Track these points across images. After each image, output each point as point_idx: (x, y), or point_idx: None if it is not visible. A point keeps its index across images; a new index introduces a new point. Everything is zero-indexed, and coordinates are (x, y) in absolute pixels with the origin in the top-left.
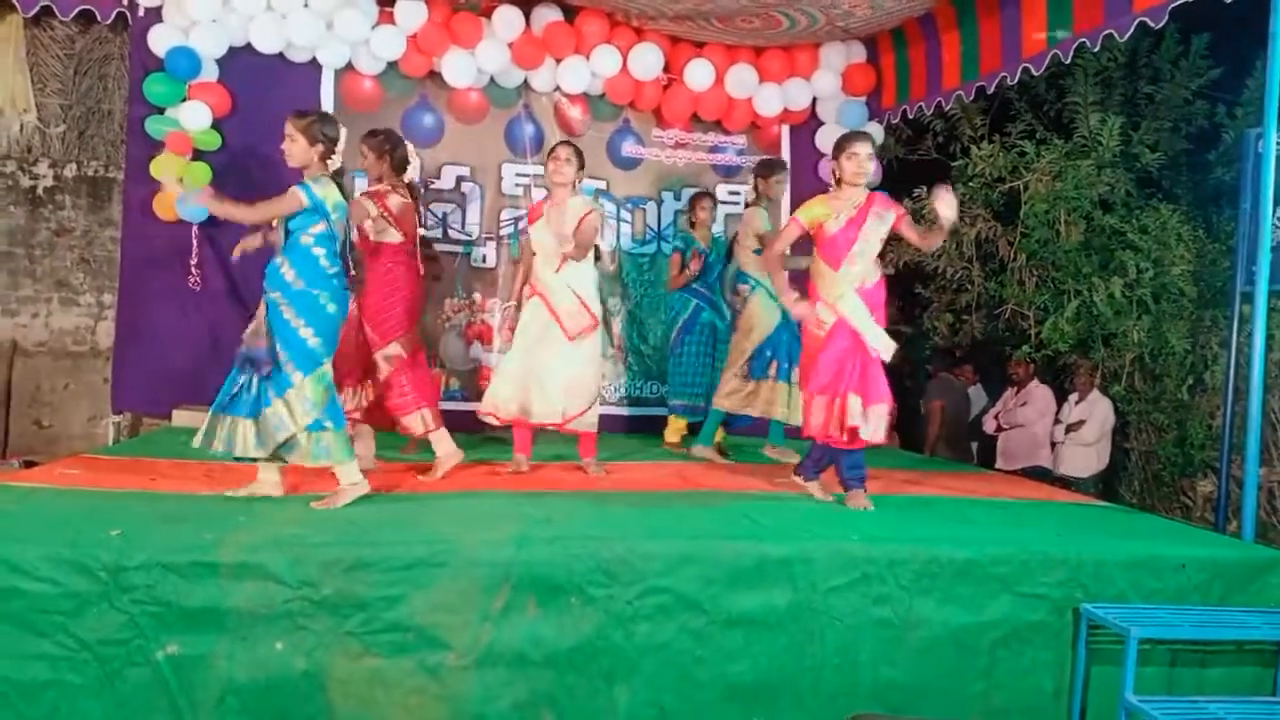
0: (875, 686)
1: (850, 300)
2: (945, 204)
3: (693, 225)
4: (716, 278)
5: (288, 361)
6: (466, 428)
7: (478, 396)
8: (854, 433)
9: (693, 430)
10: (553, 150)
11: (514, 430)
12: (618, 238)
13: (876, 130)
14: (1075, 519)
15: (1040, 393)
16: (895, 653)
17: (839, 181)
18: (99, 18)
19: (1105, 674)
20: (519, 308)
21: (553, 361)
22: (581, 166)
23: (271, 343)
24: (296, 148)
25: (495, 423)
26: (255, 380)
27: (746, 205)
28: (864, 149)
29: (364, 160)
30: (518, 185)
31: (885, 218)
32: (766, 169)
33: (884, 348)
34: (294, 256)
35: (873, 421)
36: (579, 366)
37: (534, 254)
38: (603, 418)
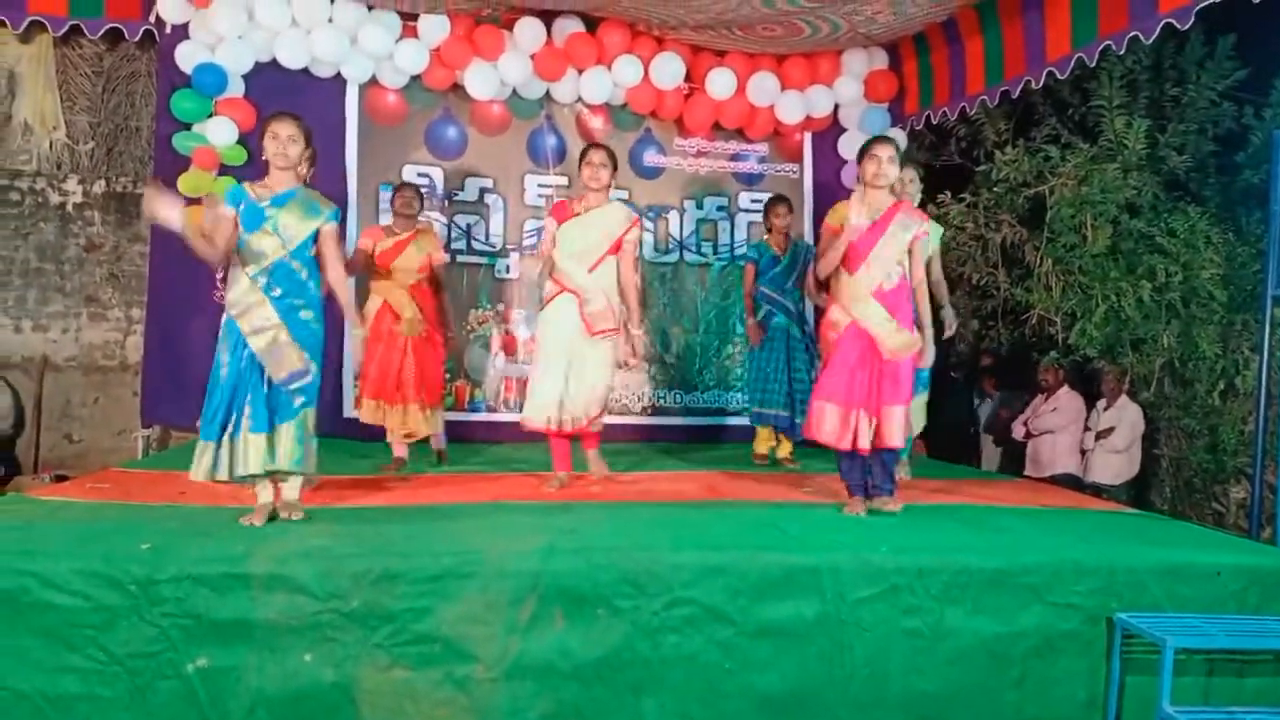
0: (905, 697)
1: (863, 304)
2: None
3: (769, 231)
4: (794, 282)
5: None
6: (489, 438)
7: (501, 407)
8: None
9: (778, 438)
10: (585, 154)
11: (553, 444)
12: (640, 246)
13: (900, 136)
14: (1107, 526)
15: (1069, 399)
16: (925, 663)
17: (863, 184)
18: (127, 36)
19: (1140, 684)
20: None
21: (583, 362)
22: (615, 169)
23: (312, 357)
24: (296, 150)
25: (542, 429)
26: (266, 395)
27: None
28: (884, 151)
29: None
30: (540, 196)
31: (909, 227)
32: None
33: (900, 348)
34: (305, 260)
35: (888, 424)
36: (605, 368)
37: (552, 254)
38: (627, 427)
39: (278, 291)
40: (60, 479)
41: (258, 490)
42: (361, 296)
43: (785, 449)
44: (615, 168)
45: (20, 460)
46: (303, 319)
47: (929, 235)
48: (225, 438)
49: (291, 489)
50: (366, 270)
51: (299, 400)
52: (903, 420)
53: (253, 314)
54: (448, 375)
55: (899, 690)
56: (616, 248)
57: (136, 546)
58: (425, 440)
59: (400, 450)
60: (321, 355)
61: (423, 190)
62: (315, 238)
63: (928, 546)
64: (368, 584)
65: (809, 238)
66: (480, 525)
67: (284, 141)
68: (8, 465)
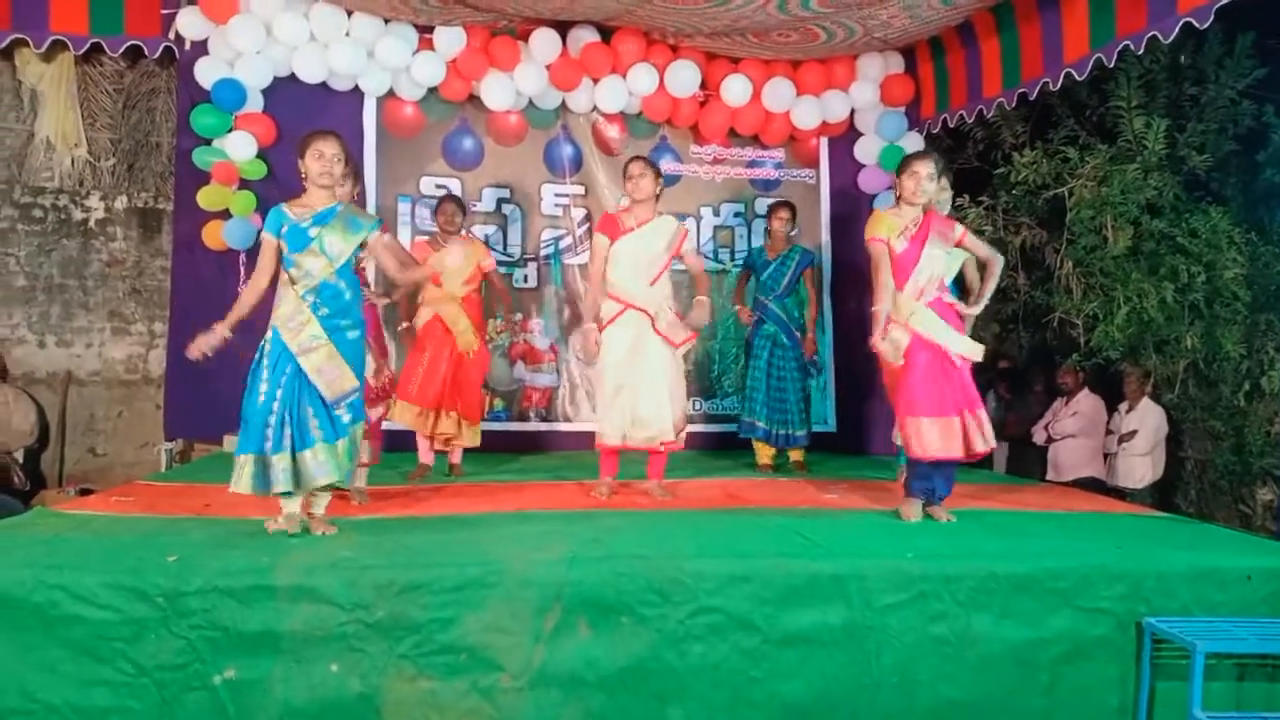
0: (934, 705)
1: (921, 315)
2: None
3: (769, 234)
4: (786, 287)
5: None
6: (509, 448)
7: (521, 417)
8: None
9: (780, 449)
10: (625, 168)
11: (603, 454)
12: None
13: (915, 140)
14: (1134, 530)
15: (1090, 402)
16: (954, 670)
17: (899, 199)
18: (147, 53)
19: (1171, 689)
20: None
21: (653, 378)
22: (659, 176)
23: (356, 374)
24: (340, 169)
25: (619, 447)
26: (316, 410)
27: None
28: (925, 168)
29: (341, 182)
30: (557, 206)
31: (949, 237)
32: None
33: (969, 351)
34: (349, 279)
35: (978, 431)
36: (677, 382)
37: (604, 270)
38: None
39: (325, 311)
40: (85, 492)
41: (285, 500)
42: (412, 312)
43: (796, 455)
44: (658, 174)
45: (45, 474)
46: (349, 337)
47: (969, 232)
48: (284, 450)
49: (321, 504)
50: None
51: (348, 417)
52: (988, 424)
53: (302, 333)
54: None
55: (927, 698)
56: (670, 262)
57: (163, 559)
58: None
59: (427, 458)
60: (363, 371)
61: (464, 202)
62: (359, 252)
63: (954, 552)
64: (392, 594)
65: (828, 241)
66: (504, 535)
67: (329, 160)
68: (33, 479)
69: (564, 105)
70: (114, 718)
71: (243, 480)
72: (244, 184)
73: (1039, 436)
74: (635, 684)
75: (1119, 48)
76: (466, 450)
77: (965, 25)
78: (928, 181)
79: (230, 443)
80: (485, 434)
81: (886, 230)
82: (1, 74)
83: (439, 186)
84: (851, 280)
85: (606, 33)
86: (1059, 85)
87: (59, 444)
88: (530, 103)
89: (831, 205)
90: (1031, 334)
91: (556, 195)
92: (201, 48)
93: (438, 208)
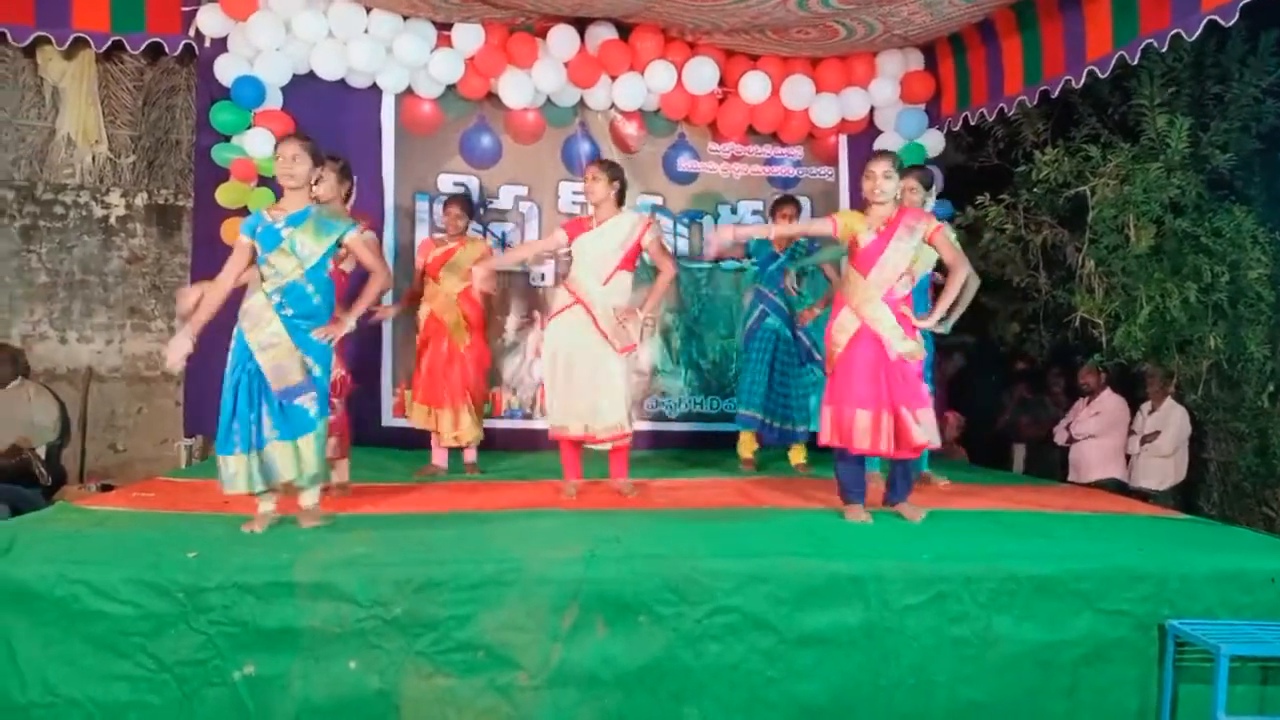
0: (953, 707)
1: (874, 306)
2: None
3: None
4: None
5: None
6: (525, 445)
7: (536, 414)
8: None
9: (763, 444)
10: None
11: (563, 453)
12: (674, 251)
13: (936, 137)
14: (1157, 532)
15: (1112, 403)
16: (973, 672)
17: (865, 201)
18: (167, 50)
19: (1194, 693)
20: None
21: (597, 376)
22: (614, 179)
23: (309, 370)
24: (303, 169)
25: (567, 438)
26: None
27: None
28: (880, 168)
29: (320, 184)
30: (574, 203)
31: (916, 230)
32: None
33: (910, 352)
34: (318, 282)
35: (924, 426)
36: (622, 380)
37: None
38: (663, 434)
39: (289, 311)
40: (106, 488)
41: (261, 499)
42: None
43: (798, 455)
44: (614, 178)
45: (66, 470)
46: (311, 338)
47: (945, 229)
48: (251, 449)
49: (310, 497)
50: (421, 284)
51: (314, 410)
52: (932, 422)
53: (261, 330)
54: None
55: (945, 700)
56: (630, 261)
57: (183, 555)
58: (459, 449)
59: (440, 459)
60: (329, 367)
61: (472, 202)
62: (332, 254)
63: (974, 553)
64: (410, 591)
65: None
66: (521, 532)
67: (287, 161)
68: (55, 475)
69: (582, 103)
70: (134, 712)
71: (238, 481)
72: (263, 181)
73: (1060, 437)
74: (652, 683)
75: (1142, 45)
76: (480, 448)
77: (986, 22)
78: (884, 180)
79: None
80: (502, 431)
81: (850, 222)
82: (23, 71)
83: (457, 184)
84: None
85: (625, 30)
86: (1081, 83)
87: (80, 440)
88: (548, 100)
89: (851, 203)
90: (1052, 334)
91: (574, 193)
92: (221, 45)
93: (444, 207)
